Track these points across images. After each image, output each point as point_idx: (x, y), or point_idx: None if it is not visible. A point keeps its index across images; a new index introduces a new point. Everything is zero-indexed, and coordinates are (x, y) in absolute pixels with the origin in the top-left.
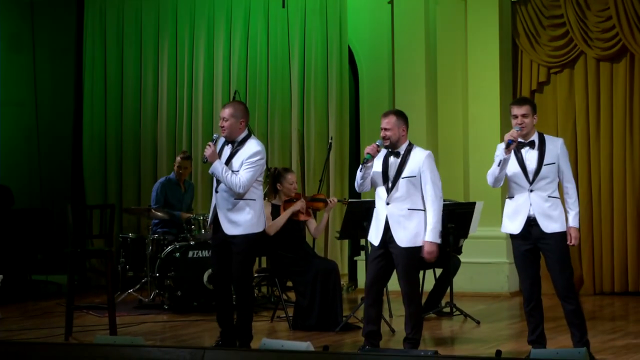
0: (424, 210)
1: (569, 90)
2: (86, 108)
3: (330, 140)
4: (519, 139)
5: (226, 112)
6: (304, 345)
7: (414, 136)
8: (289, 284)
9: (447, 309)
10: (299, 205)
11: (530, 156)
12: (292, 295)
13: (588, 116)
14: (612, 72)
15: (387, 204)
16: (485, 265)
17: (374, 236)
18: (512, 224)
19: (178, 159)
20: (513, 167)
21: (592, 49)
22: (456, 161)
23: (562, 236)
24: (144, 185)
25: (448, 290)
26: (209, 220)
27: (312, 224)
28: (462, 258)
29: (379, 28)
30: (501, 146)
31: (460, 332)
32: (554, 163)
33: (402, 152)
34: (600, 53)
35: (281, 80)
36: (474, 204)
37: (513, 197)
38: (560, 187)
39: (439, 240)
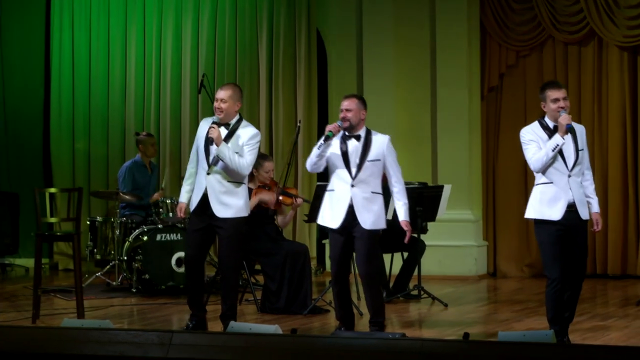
0: (382, 194)
1: (538, 73)
2: (54, 91)
3: (298, 124)
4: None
5: (224, 93)
6: (272, 328)
7: (382, 120)
8: (258, 267)
9: (415, 292)
10: (270, 196)
11: (567, 141)
12: (260, 279)
13: None
14: (580, 55)
15: (352, 186)
16: (454, 249)
17: (330, 219)
18: (551, 210)
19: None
20: None
21: (560, 33)
22: (424, 144)
23: (587, 223)
24: (112, 168)
25: (416, 273)
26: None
27: (280, 214)
28: (431, 241)
29: (348, 12)
30: (530, 130)
31: (428, 315)
32: (583, 149)
33: (362, 136)
34: (568, 37)
35: (249, 64)
36: (442, 187)
37: (552, 182)
38: None
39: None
